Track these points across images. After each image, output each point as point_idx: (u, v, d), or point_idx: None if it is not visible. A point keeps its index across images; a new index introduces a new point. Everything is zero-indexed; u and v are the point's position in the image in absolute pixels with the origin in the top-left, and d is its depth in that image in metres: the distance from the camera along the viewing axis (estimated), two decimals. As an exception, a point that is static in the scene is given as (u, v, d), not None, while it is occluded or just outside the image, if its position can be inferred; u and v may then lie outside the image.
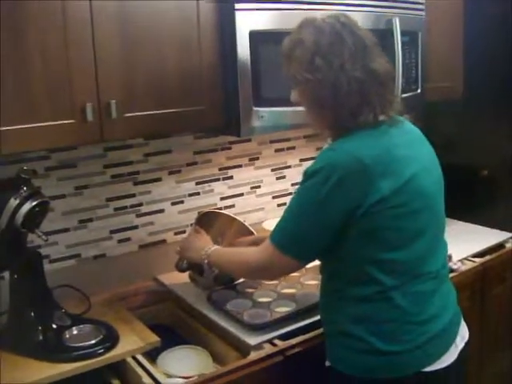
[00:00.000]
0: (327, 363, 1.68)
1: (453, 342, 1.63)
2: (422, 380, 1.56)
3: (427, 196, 1.56)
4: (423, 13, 2.40)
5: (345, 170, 1.45)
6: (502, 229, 2.73)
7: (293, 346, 1.81)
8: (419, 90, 2.42)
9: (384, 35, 2.12)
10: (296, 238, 1.55)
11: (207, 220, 2.15)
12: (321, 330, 1.87)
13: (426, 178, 1.56)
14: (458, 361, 1.62)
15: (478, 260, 2.47)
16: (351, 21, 1.55)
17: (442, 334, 1.60)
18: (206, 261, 1.86)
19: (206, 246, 1.88)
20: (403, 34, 2.22)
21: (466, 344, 1.69)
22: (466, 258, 2.44)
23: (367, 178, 1.45)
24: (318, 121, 1.64)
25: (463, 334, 1.70)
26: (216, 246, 1.90)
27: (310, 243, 1.55)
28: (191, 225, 2.35)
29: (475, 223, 2.73)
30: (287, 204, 1.58)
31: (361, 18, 2.15)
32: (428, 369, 1.56)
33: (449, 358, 1.60)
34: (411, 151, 1.56)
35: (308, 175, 1.51)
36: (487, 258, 2.52)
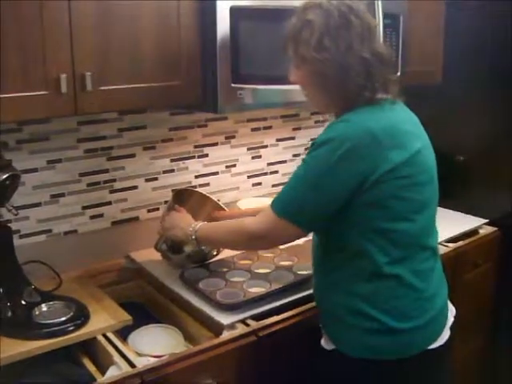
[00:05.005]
0: (326, 346, 1.68)
1: (447, 319, 1.68)
2: (426, 358, 1.60)
3: (430, 171, 1.61)
4: (405, -4, 2.38)
5: (355, 141, 1.46)
6: (475, 215, 2.76)
7: (266, 327, 1.81)
8: (399, 73, 2.41)
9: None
10: (301, 205, 1.54)
11: (181, 198, 2.14)
12: (294, 311, 1.87)
13: (428, 155, 1.62)
14: (450, 336, 1.68)
15: (451, 245, 2.49)
16: (356, 5, 1.56)
17: (442, 310, 1.66)
18: (193, 236, 1.84)
19: (192, 223, 1.88)
20: (385, 16, 2.20)
21: (454, 318, 1.74)
22: (439, 243, 2.43)
23: (378, 149, 1.47)
24: (319, 100, 1.64)
25: (451, 307, 1.75)
26: (202, 222, 1.88)
27: (315, 212, 1.55)
28: (165, 202, 2.33)
29: (449, 208, 2.75)
30: (293, 172, 1.57)
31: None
32: (431, 346, 1.60)
33: (445, 334, 1.66)
34: (414, 128, 1.61)
35: (317, 145, 1.52)
36: (460, 243, 2.53)
